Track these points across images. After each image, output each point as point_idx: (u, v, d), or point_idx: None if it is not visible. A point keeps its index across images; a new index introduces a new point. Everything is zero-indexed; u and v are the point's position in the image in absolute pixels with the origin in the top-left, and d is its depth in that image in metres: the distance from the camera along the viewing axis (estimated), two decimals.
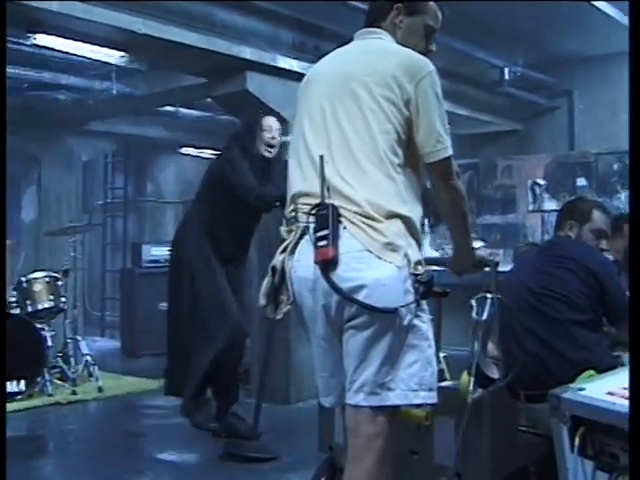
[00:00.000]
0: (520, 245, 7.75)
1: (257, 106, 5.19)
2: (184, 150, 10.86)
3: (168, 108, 8.84)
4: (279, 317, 2.50)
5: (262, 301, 2.52)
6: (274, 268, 2.51)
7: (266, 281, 2.52)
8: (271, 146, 4.85)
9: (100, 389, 6.68)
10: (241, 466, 4.59)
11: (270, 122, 4.89)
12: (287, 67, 6.12)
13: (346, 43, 2.70)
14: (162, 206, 11.34)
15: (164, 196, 11.39)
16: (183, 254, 4.95)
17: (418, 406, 2.61)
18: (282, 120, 5.45)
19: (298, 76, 5.83)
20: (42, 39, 5.48)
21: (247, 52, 5.85)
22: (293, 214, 2.49)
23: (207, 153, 10.47)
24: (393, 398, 2.35)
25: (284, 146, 4.70)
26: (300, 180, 2.51)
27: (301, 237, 2.44)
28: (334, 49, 2.71)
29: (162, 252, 9.01)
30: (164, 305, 8.61)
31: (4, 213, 3.66)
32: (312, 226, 2.38)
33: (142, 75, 7.59)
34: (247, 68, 5.95)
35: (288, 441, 5.05)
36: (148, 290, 8.95)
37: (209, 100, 7.16)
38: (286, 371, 6.11)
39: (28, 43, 6.19)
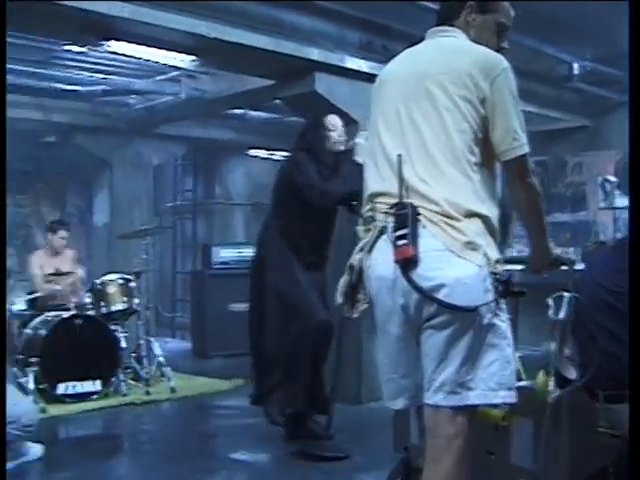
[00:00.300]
0: (588, 244, 7.62)
1: (326, 107, 5.20)
2: (252, 152, 10.96)
3: (236, 110, 8.94)
4: (355, 316, 2.51)
5: (339, 300, 2.53)
6: (351, 267, 2.52)
7: (343, 280, 2.53)
8: (338, 143, 4.85)
9: (173, 389, 6.76)
10: (314, 465, 4.60)
11: (334, 120, 4.90)
12: (355, 67, 6.12)
13: (417, 42, 2.70)
14: (231, 208, 11.45)
15: (233, 198, 11.50)
16: (264, 257, 4.96)
17: (495, 406, 2.59)
18: (351, 121, 5.46)
19: (366, 76, 5.91)
20: (115, 45, 5.59)
21: (315, 53, 5.88)
22: (370, 213, 2.50)
23: (276, 155, 10.55)
24: (473, 398, 2.34)
25: (352, 146, 4.69)
26: (377, 180, 2.52)
27: (379, 236, 2.45)
28: (404, 49, 2.71)
29: (231, 254, 9.13)
30: (234, 306, 8.79)
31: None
32: (390, 225, 2.38)
33: (211, 78, 7.68)
34: (315, 69, 5.97)
35: (360, 441, 5.05)
36: (218, 291, 9.04)
37: (277, 102, 7.21)
38: (358, 371, 6.10)
39: (101, 50, 6.34)
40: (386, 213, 2.41)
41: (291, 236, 4.83)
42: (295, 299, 4.78)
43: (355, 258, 2.52)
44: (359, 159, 4.52)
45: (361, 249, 2.51)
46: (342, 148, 4.84)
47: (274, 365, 4.83)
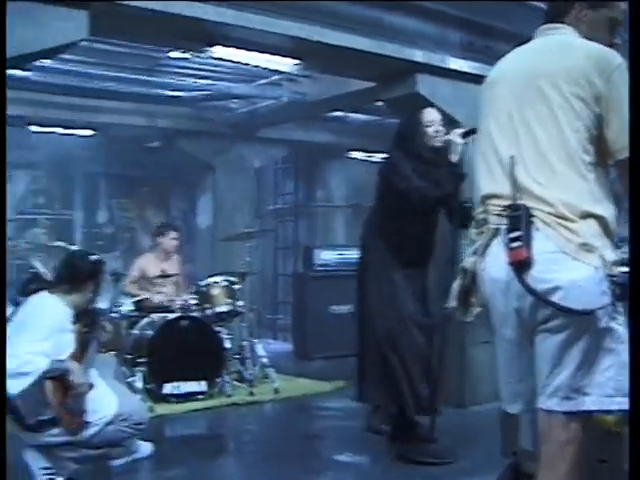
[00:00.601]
0: None
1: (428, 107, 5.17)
2: (353, 154, 10.98)
3: (337, 113, 8.98)
4: (469, 319, 2.49)
5: (452, 303, 2.51)
6: (464, 270, 2.50)
7: (456, 283, 2.52)
8: (438, 136, 4.72)
9: (276, 390, 6.83)
10: (417, 469, 4.58)
11: (431, 116, 4.79)
12: (457, 68, 6.08)
13: (524, 42, 2.66)
14: (332, 210, 11.51)
15: (334, 201, 11.56)
16: (365, 258, 4.96)
17: (610, 412, 2.53)
18: (454, 121, 5.41)
19: (468, 77, 5.86)
20: (218, 51, 5.70)
21: (417, 54, 5.86)
22: (483, 216, 2.48)
23: (376, 157, 10.54)
24: (588, 403, 2.29)
25: (447, 143, 4.60)
26: (489, 182, 2.49)
27: (492, 239, 2.42)
28: (507, 48, 2.68)
29: (333, 256, 9.17)
30: (335, 308, 8.83)
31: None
32: (504, 227, 2.36)
33: (312, 81, 7.74)
34: (417, 70, 5.95)
35: (465, 445, 4.99)
36: (320, 293, 9.09)
37: (378, 104, 7.21)
38: (461, 374, 6.03)
39: (204, 56, 6.47)
40: (499, 215, 2.38)
41: (391, 237, 4.79)
42: (393, 301, 4.75)
43: (468, 261, 2.50)
44: (454, 158, 4.50)
45: (474, 252, 2.48)
46: (439, 144, 4.71)
47: (376, 366, 4.81)
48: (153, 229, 8.07)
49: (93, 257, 4.46)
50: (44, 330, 4.01)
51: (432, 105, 5.71)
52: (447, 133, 4.68)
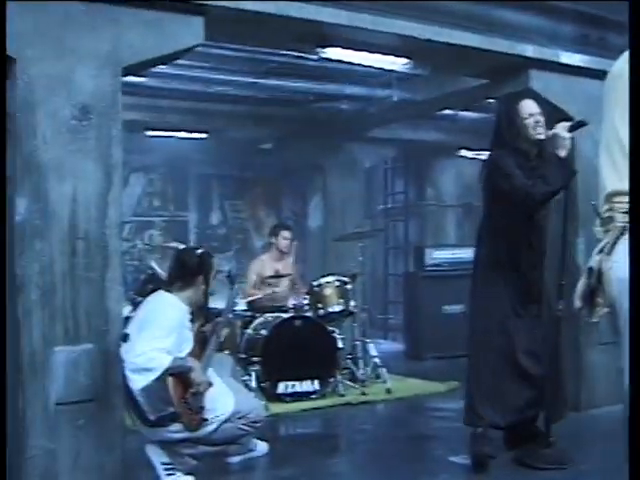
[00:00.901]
0: None
1: (541, 104, 5.04)
2: (463, 153, 10.87)
3: (447, 111, 8.90)
4: (595, 320, 2.43)
5: (577, 303, 2.46)
6: (590, 269, 2.44)
7: (581, 283, 2.46)
8: (537, 131, 4.48)
9: (389, 390, 6.83)
10: (535, 474, 4.50)
11: (528, 107, 4.54)
12: (571, 62, 5.94)
13: None
14: (443, 210, 11.42)
15: (444, 200, 11.47)
16: (478, 257, 4.79)
17: None
18: (568, 118, 5.29)
19: (582, 71, 5.73)
20: (331, 52, 5.74)
21: (529, 50, 5.75)
22: (609, 214, 2.41)
23: (486, 155, 10.40)
24: None
25: (551, 136, 4.40)
26: (615, 179, 2.43)
27: (619, 237, 2.36)
28: (622, 40, 2.60)
29: (444, 255, 9.11)
30: (448, 308, 8.77)
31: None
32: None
33: (422, 80, 7.70)
34: (530, 66, 5.85)
35: (581, 450, 4.88)
36: (431, 293, 9.05)
37: (489, 101, 7.12)
38: (577, 376, 5.88)
39: (315, 57, 6.52)
40: (626, 213, 2.32)
41: (496, 235, 4.62)
42: (502, 301, 4.59)
43: (594, 260, 2.44)
44: (562, 153, 4.31)
45: (600, 250, 2.42)
46: (541, 137, 4.48)
47: (487, 369, 4.62)
48: (267, 230, 8.19)
49: (199, 250, 4.56)
50: (165, 327, 4.13)
51: (546, 101, 5.63)
52: (552, 127, 4.45)
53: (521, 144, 4.51)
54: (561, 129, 4.36)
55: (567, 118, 4.72)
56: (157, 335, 4.05)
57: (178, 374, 4.04)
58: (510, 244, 4.59)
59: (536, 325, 4.60)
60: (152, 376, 3.94)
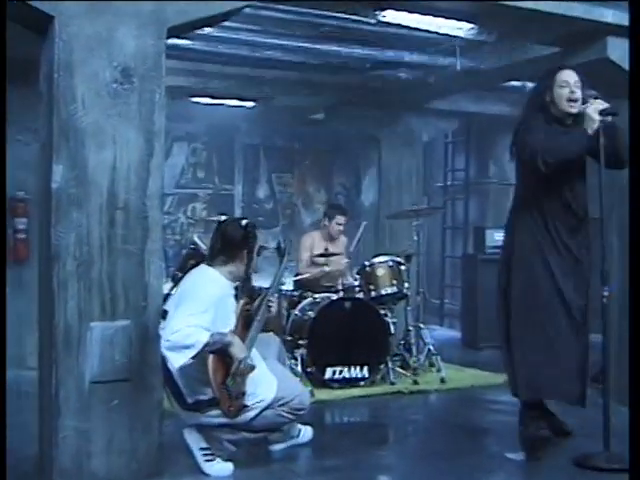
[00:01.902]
0: None
1: (618, 75, 4.94)
2: None
3: (515, 83, 8.76)
4: None
5: None
6: None
7: None
8: (573, 101, 4.73)
9: (443, 380, 6.82)
10: (595, 475, 4.44)
11: (567, 76, 4.78)
12: None
13: None
14: (506, 188, 11.22)
15: (508, 178, 11.27)
16: (513, 238, 5.06)
17: None
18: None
19: None
20: (389, 15, 5.67)
21: (609, 15, 5.61)
22: None
23: None
24: None
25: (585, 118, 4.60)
26: None
27: None
28: None
29: None
30: None
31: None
32: None
33: (488, 48, 7.58)
34: (608, 33, 5.72)
35: None
36: (492, 278, 8.85)
37: None
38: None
39: (372, 21, 6.45)
40: None
41: (530, 207, 4.89)
42: (542, 282, 4.77)
43: None
44: (589, 130, 4.54)
45: None
46: (574, 110, 4.74)
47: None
48: (316, 205, 8.18)
49: (244, 222, 4.54)
50: (204, 302, 4.12)
51: (624, 71, 5.51)
52: (585, 102, 4.69)
53: (553, 111, 4.79)
54: (592, 110, 4.58)
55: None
56: (194, 311, 4.04)
57: (218, 353, 4.04)
58: (543, 216, 4.84)
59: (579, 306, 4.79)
60: (190, 353, 3.94)
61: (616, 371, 5.94)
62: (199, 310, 4.06)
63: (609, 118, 4.55)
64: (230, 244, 4.44)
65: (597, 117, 4.54)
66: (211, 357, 4.02)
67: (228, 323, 4.23)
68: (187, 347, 3.94)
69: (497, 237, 9.12)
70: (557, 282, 4.77)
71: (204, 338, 3.96)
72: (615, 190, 6.08)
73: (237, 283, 4.46)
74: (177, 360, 3.97)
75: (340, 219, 7.69)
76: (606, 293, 4.46)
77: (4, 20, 3.83)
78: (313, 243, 7.67)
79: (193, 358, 3.95)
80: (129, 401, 4.08)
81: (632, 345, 2.02)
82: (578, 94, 4.75)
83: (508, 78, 8.41)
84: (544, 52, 6.66)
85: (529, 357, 4.81)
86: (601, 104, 4.60)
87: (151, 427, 4.15)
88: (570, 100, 4.74)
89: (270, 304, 4.57)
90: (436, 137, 10.87)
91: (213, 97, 8.85)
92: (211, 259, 4.50)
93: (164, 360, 4.10)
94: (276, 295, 4.86)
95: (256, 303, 4.53)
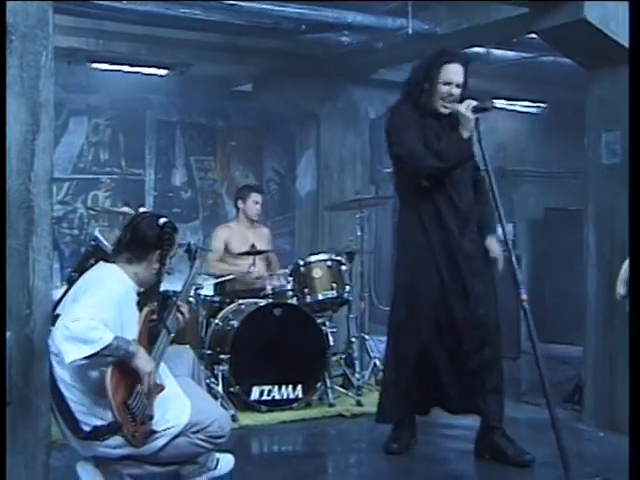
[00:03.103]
0: None
1: (599, 41, 4.98)
2: (496, 103, 10.74)
3: (476, 49, 8.80)
4: None
5: (620, 290, 2.43)
6: None
7: (625, 266, 2.43)
8: (448, 101, 5.07)
9: None
10: None
11: (453, 73, 5.10)
12: None
13: None
14: None
15: None
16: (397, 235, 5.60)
17: None
18: (476, 97, 5.28)
19: None
20: None
21: None
22: None
23: (526, 106, 10.35)
24: None
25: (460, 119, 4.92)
26: None
27: None
28: None
29: None
30: None
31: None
32: None
33: (445, 8, 7.62)
34: None
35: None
36: None
37: (531, 36, 7.03)
38: (610, 388, 5.93)
39: None
40: None
41: (421, 208, 5.21)
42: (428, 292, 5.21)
43: None
44: (465, 134, 4.95)
45: None
46: (445, 111, 5.09)
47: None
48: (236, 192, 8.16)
49: (162, 220, 4.48)
50: (105, 298, 4.07)
51: (605, 36, 5.56)
52: (461, 101, 5.01)
53: (429, 105, 5.13)
54: (465, 108, 4.91)
55: (475, 97, 5.10)
56: (96, 304, 3.98)
57: (118, 365, 3.97)
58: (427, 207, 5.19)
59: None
60: (87, 351, 3.84)
61: (594, 389, 6.02)
62: (101, 305, 3.99)
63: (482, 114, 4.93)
64: (140, 242, 4.40)
65: (471, 115, 4.87)
66: (109, 371, 3.94)
67: (129, 333, 4.15)
68: (87, 341, 3.85)
69: None
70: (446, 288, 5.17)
71: (108, 338, 3.88)
72: (593, 178, 6.18)
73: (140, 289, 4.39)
74: (70, 354, 3.86)
75: (256, 197, 7.70)
76: (524, 297, 4.59)
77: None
78: (232, 233, 7.63)
79: (87, 359, 3.87)
80: (9, 430, 3.97)
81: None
82: (456, 96, 5.06)
83: (469, 44, 8.43)
84: (511, 13, 6.69)
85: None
86: (472, 102, 4.94)
87: (36, 462, 4.03)
88: (444, 99, 5.06)
89: (181, 311, 4.51)
90: (385, 113, 10.86)
91: (118, 63, 8.73)
92: (115, 255, 4.46)
93: (53, 378, 4.01)
94: (190, 300, 4.81)
95: (164, 312, 4.47)
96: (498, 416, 5.26)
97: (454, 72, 5.10)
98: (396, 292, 5.41)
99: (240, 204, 7.79)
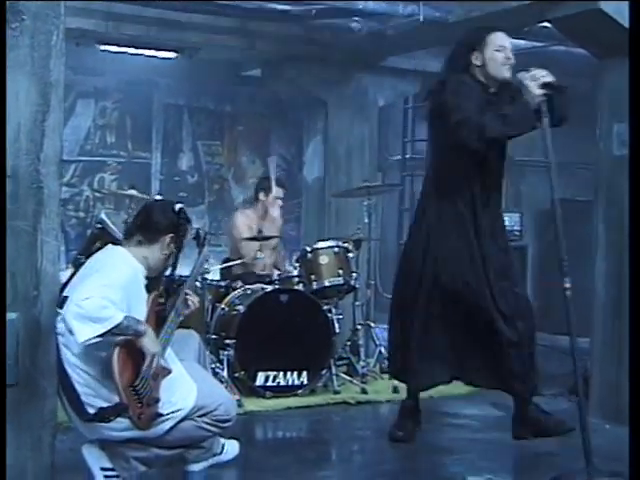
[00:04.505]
0: None
1: (613, 31, 4.95)
2: None
3: None
4: None
5: None
6: None
7: None
8: (504, 68, 5.02)
9: (396, 389, 6.80)
10: None
11: (501, 39, 5.07)
12: None
13: None
14: None
15: None
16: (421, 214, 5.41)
17: None
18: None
19: None
20: None
21: None
22: None
23: None
24: None
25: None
26: None
27: None
28: None
29: None
30: None
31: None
32: None
33: None
34: None
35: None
36: None
37: (545, 25, 7.01)
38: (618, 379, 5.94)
39: None
40: None
41: (444, 184, 5.14)
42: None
43: None
44: (532, 101, 4.68)
45: None
46: (506, 75, 5.01)
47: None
48: (249, 180, 8.14)
49: (178, 205, 4.48)
50: (115, 280, 4.05)
51: (619, 26, 5.53)
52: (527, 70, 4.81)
53: (479, 75, 5.05)
54: (532, 81, 4.70)
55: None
56: (107, 285, 3.97)
57: (125, 346, 3.96)
58: (463, 194, 5.12)
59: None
60: (99, 330, 3.83)
61: (600, 381, 6.02)
62: (111, 285, 3.99)
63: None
64: (153, 226, 4.39)
65: (538, 91, 4.66)
66: (117, 351, 3.94)
67: (138, 316, 4.15)
68: (99, 320, 3.83)
69: None
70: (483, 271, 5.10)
71: (119, 317, 3.87)
72: (603, 169, 6.15)
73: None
74: (83, 333, 3.84)
75: (279, 191, 7.65)
76: (567, 285, 4.54)
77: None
78: (242, 223, 7.63)
79: (100, 337, 3.86)
80: (15, 411, 3.97)
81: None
82: (512, 59, 5.03)
83: None
84: (524, 1, 6.66)
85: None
86: (542, 75, 4.73)
87: (42, 443, 4.05)
88: (505, 64, 5.00)
89: (188, 299, 4.50)
90: (394, 101, 10.84)
91: (127, 45, 8.72)
92: (126, 238, 4.45)
93: (59, 359, 4.01)
94: (197, 285, 4.80)
95: (171, 296, 4.47)
96: (530, 393, 5.24)
97: (502, 38, 5.08)
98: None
99: (261, 196, 7.75)
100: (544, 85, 4.68)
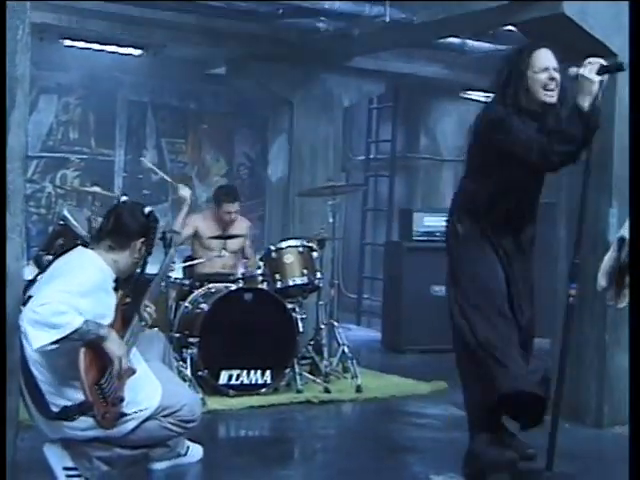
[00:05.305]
0: None
1: (576, 36, 4.97)
2: (470, 94, 10.79)
3: (453, 40, 8.80)
4: (622, 305, 2.40)
5: (602, 282, 2.42)
6: (622, 240, 2.40)
7: (609, 256, 2.43)
8: (551, 89, 4.54)
9: (359, 388, 6.85)
10: None
11: (545, 59, 4.56)
12: None
13: None
14: (438, 165, 11.36)
15: (441, 153, 11.40)
16: (455, 230, 5.00)
17: None
18: (610, 53, 5.24)
19: None
20: None
21: None
22: None
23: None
24: None
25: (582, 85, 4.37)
26: None
27: None
28: None
29: (438, 223, 9.00)
30: (438, 289, 8.75)
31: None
32: None
33: None
34: None
35: (596, 474, 4.96)
36: (418, 269, 9.05)
37: (507, 28, 7.05)
38: (600, 384, 5.96)
39: None
40: None
41: (488, 206, 4.74)
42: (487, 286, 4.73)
43: (627, 229, 2.40)
44: (584, 101, 4.31)
45: None
46: (552, 100, 4.55)
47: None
48: (213, 178, 8.10)
49: (147, 209, 4.48)
50: (82, 285, 4.06)
51: (582, 31, 5.56)
52: (578, 66, 4.44)
53: (527, 103, 4.57)
54: (589, 70, 4.34)
55: (603, 55, 4.66)
56: (70, 289, 3.97)
57: (91, 346, 3.95)
58: (501, 212, 4.71)
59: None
60: (55, 336, 3.82)
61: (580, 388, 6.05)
62: (76, 291, 3.98)
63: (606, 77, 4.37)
64: (123, 230, 4.39)
65: (596, 77, 4.32)
66: (82, 351, 3.93)
67: (105, 316, 4.14)
68: (54, 327, 3.82)
69: (426, 222, 9.23)
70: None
71: (77, 322, 3.86)
72: (566, 172, 6.18)
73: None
74: (37, 339, 3.83)
75: (229, 207, 7.54)
76: (573, 291, 4.47)
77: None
78: (204, 221, 7.59)
79: (55, 343, 3.84)
80: None
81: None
82: (557, 79, 4.56)
83: (445, 34, 8.44)
84: (489, 4, 6.68)
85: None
86: (597, 61, 4.40)
87: (5, 441, 4.03)
88: (548, 86, 4.55)
89: (147, 311, 4.49)
90: (359, 102, 10.86)
91: (91, 41, 8.66)
92: (95, 242, 4.45)
93: (23, 358, 3.99)
94: (162, 285, 4.78)
95: (138, 295, 4.46)
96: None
97: (546, 57, 4.58)
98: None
99: (215, 207, 7.73)
100: (602, 69, 4.36)
